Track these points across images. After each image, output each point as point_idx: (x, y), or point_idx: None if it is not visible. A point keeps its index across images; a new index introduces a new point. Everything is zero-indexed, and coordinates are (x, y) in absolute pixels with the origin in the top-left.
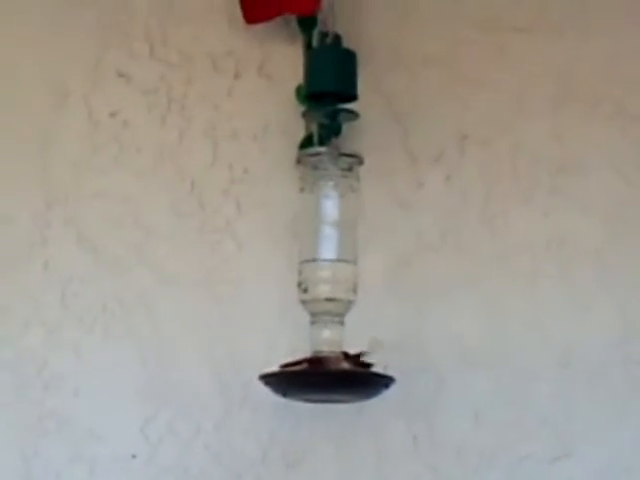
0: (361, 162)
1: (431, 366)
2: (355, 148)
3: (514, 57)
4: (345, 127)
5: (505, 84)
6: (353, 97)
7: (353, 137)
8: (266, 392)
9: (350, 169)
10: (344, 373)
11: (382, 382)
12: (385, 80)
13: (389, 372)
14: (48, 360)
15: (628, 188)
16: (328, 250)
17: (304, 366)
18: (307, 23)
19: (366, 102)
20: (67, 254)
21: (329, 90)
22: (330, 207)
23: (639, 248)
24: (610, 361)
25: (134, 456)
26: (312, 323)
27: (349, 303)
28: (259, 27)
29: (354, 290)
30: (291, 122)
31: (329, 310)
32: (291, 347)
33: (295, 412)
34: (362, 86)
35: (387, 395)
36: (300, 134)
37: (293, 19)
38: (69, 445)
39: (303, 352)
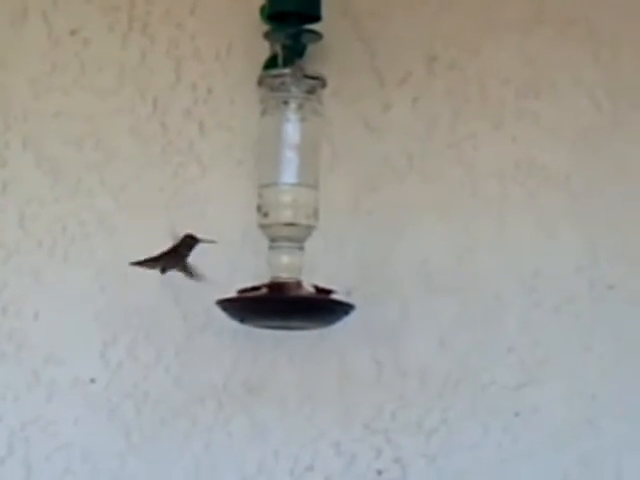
0: (324, 84)
1: (396, 292)
2: (321, 70)
3: None
4: (310, 49)
5: (475, 5)
6: (317, 18)
7: (318, 59)
8: (228, 318)
9: (313, 91)
10: (303, 299)
11: (342, 309)
12: (352, 0)
13: (353, 298)
14: (7, 283)
15: (597, 113)
16: (289, 174)
17: (262, 292)
18: None
19: (332, 23)
20: (26, 175)
21: (292, 10)
22: (291, 130)
23: (607, 174)
24: (576, 287)
25: (93, 380)
26: (271, 248)
27: (309, 228)
28: None
29: (315, 215)
30: (255, 42)
31: (289, 235)
32: (253, 272)
33: (257, 338)
34: (328, 7)
35: (351, 321)
36: (265, 54)
37: None
38: (27, 369)
39: (266, 277)
